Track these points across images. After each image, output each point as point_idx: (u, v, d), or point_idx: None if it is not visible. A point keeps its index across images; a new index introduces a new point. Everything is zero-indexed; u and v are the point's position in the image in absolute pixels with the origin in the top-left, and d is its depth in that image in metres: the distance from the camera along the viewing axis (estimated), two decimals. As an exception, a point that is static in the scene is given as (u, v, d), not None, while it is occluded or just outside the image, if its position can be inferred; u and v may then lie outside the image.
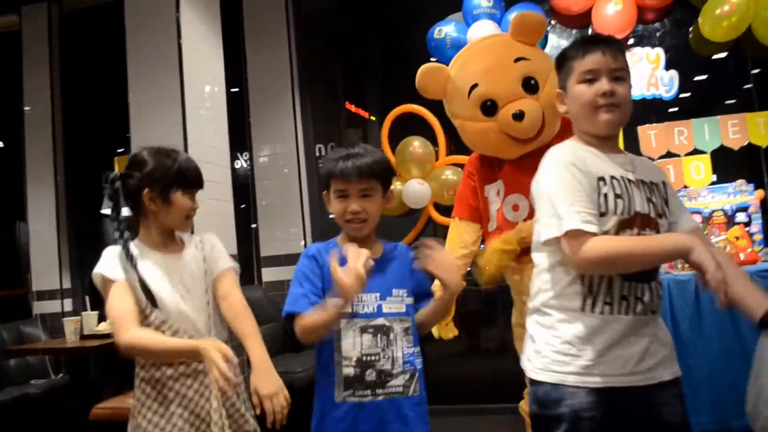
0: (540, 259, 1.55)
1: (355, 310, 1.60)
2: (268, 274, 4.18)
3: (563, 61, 1.56)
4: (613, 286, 1.44)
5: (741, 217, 3.51)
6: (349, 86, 4.89)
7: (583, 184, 1.42)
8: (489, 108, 2.33)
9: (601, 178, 1.45)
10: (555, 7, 3.83)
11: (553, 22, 3.95)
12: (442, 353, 4.64)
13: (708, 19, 3.57)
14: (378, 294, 1.64)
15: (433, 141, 3.98)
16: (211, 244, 1.84)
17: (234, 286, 1.80)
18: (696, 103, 3.80)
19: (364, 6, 4.65)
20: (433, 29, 3.85)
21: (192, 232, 1.84)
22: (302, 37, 4.42)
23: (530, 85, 2.32)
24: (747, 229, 3.48)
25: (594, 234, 1.38)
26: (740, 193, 3.55)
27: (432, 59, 3.66)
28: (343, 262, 1.55)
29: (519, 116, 2.24)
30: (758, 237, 3.49)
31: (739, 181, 3.59)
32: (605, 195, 1.44)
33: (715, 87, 3.94)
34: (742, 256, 3.34)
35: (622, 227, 1.44)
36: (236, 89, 4.40)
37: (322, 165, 1.71)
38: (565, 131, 2.33)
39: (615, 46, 1.50)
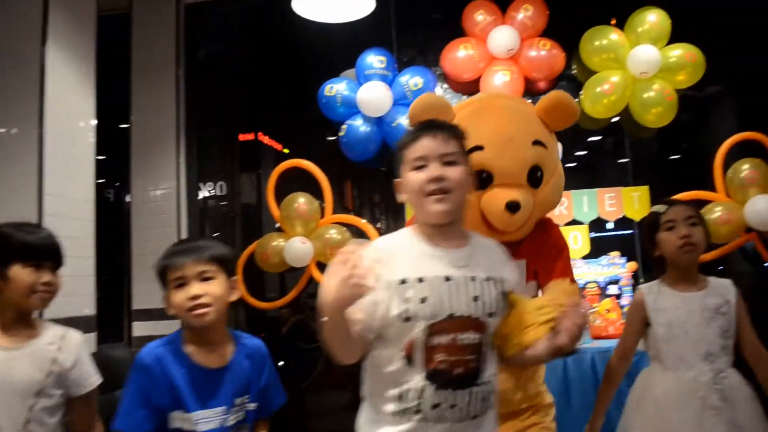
0: None
1: (195, 428, 1.52)
2: (139, 329, 3.92)
3: (398, 150, 1.52)
4: (424, 394, 1.37)
5: (613, 289, 3.61)
6: (248, 125, 4.77)
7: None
8: (482, 180, 1.90)
9: (404, 281, 1.38)
10: (446, 72, 3.88)
11: (444, 86, 3.99)
12: (327, 406, 4.52)
13: (589, 95, 3.70)
14: (223, 408, 1.57)
15: (321, 197, 3.91)
16: (75, 355, 1.74)
17: (94, 405, 1.75)
18: (577, 174, 3.92)
19: (265, 52, 4.55)
20: (324, 86, 3.81)
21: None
22: (193, 77, 4.26)
23: (535, 177, 1.91)
24: (618, 301, 3.58)
25: None
26: (613, 266, 3.66)
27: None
28: (192, 370, 1.53)
29: (514, 207, 1.82)
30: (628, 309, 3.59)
31: (613, 254, 3.71)
32: (407, 299, 1.37)
33: (596, 160, 4.09)
34: (611, 329, 3.42)
35: (432, 332, 1.37)
36: (126, 125, 4.19)
37: (158, 264, 1.61)
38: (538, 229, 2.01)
39: (446, 131, 1.47)
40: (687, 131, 4.08)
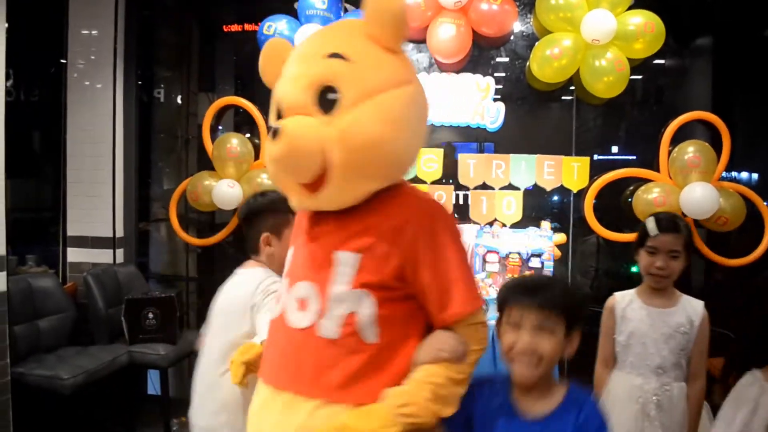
0: None
1: None
2: (73, 255, 3.98)
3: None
4: None
5: (535, 262, 3.56)
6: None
7: None
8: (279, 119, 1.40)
9: None
10: (392, 19, 3.66)
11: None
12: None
13: (537, 58, 3.50)
14: None
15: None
16: None
17: None
18: (518, 138, 3.77)
19: None
20: (263, 24, 3.63)
21: None
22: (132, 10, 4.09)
23: (325, 100, 1.31)
24: (538, 274, 3.54)
25: None
26: (540, 238, 3.59)
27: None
28: None
29: (274, 132, 1.29)
30: (548, 283, 3.56)
31: (544, 224, 3.63)
32: None
33: (541, 125, 3.92)
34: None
35: None
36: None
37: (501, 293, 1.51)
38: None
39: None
40: (642, 103, 3.89)
